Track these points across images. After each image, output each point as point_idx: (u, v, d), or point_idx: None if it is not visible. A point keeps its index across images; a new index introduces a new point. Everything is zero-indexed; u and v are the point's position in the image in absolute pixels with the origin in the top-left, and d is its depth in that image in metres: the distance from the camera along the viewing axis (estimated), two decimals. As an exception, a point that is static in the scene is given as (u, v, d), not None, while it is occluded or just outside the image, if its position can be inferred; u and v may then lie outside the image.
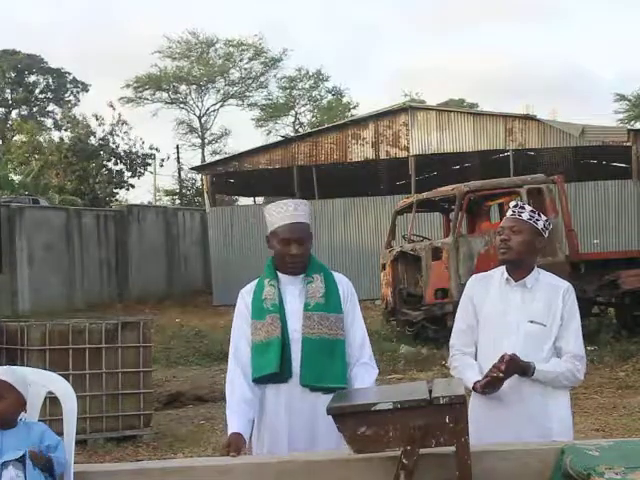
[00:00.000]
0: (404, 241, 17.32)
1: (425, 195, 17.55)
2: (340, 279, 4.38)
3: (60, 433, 3.85)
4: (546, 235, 4.45)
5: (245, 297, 4.34)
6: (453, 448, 3.54)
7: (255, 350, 4.21)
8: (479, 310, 4.47)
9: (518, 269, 4.42)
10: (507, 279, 4.43)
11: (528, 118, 27.40)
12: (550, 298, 4.38)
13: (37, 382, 4.00)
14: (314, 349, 4.15)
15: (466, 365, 4.41)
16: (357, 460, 3.73)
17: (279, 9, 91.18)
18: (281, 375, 4.14)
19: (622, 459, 3.53)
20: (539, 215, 4.44)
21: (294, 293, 4.27)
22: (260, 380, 4.18)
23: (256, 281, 4.36)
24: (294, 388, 4.15)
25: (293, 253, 4.23)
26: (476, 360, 4.44)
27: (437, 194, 17.39)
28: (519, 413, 4.29)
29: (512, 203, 4.57)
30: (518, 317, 4.36)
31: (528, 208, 4.47)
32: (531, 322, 4.34)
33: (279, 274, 4.30)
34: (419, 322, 16.32)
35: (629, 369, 13.19)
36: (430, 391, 3.65)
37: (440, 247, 15.93)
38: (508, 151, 26.85)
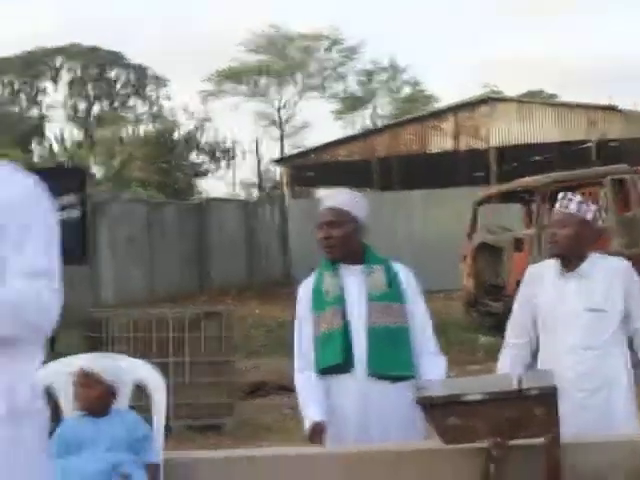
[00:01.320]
0: (485, 232, 17.22)
1: (506, 186, 17.42)
2: (401, 269, 4.33)
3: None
4: (598, 223, 4.41)
5: (305, 290, 4.34)
6: (542, 440, 3.50)
7: (318, 342, 4.20)
8: (536, 302, 4.47)
9: (571, 259, 4.39)
10: (561, 270, 4.40)
11: (610, 108, 26.97)
12: (608, 282, 4.34)
13: (126, 370, 4.04)
14: (380, 338, 4.11)
15: (503, 361, 4.55)
16: (445, 451, 3.71)
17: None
18: (344, 366, 4.11)
19: None
20: (588, 205, 4.39)
21: (355, 283, 4.22)
22: (324, 372, 4.18)
23: (315, 273, 4.35)
24: (359, 378, 4.10)
25: (322, 236, 4.21)
26: (538, 353, 4.45)
27: (518, 185, 17.25)
28: (583, 406, 4.25)
29: (560, 195, 4.51)
30: (575, 307, 4.33)
31: (576, 199, 4.40)
32: (590, 310, 4.30)
33: (340, 265, 4.26)
34: (500, 313, 16.19)
35: None
36: (520, 382, 3.62)
37: (522, 238, 15.80)
38: (590, 142, 26.44)
